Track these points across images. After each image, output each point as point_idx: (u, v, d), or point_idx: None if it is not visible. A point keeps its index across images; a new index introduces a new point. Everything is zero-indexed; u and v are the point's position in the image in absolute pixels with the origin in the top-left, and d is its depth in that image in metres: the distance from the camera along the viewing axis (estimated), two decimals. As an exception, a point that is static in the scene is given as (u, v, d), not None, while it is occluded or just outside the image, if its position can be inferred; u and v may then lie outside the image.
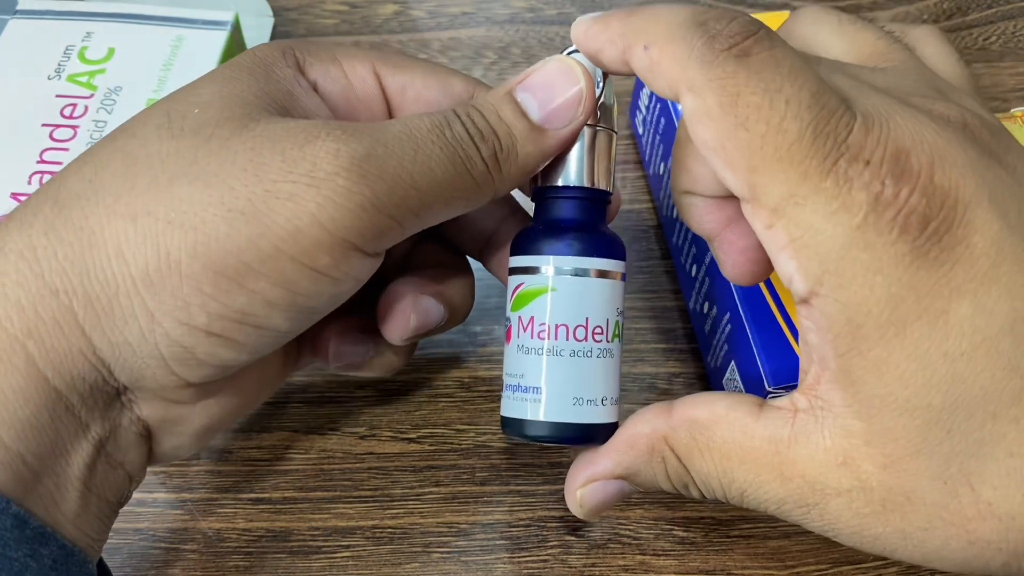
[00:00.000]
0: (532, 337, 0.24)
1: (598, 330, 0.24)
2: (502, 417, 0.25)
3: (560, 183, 0.25)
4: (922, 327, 0.18)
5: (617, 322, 0.25)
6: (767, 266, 0.23)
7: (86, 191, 0.21)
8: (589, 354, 0.24)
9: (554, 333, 0.24)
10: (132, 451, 0.23)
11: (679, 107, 0.34)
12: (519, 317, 0.25)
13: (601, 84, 0.24)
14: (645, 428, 0.23)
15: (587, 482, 0.24)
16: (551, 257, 0.24)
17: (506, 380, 0.25)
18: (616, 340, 0.25)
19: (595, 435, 0.25)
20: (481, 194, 0.23)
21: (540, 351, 0.24)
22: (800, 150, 0.18)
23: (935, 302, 0.18)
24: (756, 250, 0.23)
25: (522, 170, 0.24)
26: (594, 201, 0.25)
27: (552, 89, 0.23)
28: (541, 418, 0.24)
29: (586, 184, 0.24)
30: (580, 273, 0.24)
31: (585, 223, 0.25)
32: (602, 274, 0.24)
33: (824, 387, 0.19)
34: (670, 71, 0.20)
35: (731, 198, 0.22)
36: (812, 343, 0.19)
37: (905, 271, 0.18)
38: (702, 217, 0.23)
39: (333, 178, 0.20)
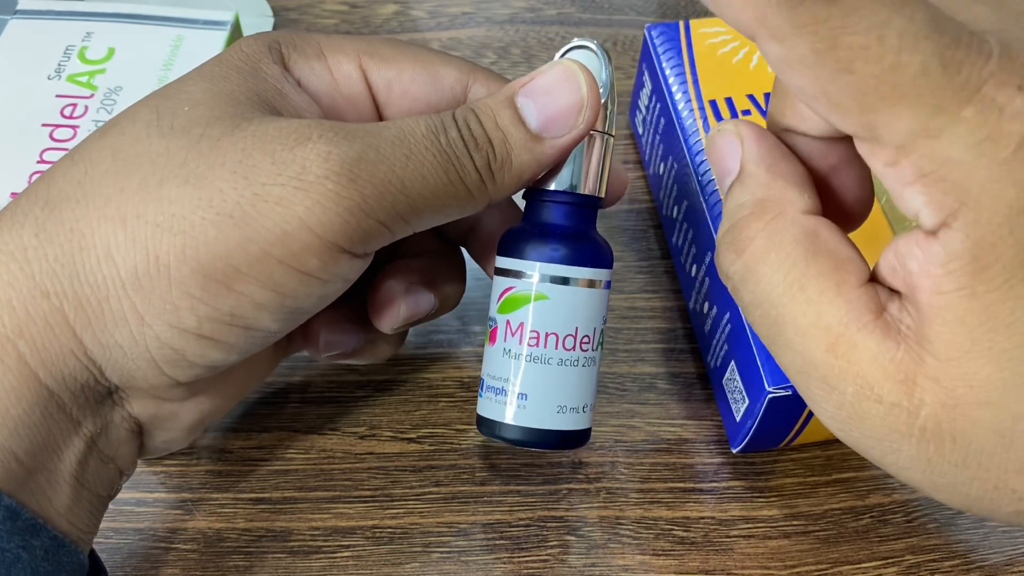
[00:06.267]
0: (520, 343, 0.24)
1: (585, 340, 0.24)
2: (480, 416, 0.25)
3: (554, 187, 0.24)
4: None
5: (602, 331, 0.25)
6: (870, 208, 0.22)
7: (76, 192, 0.21)
8: (576, 363, 0.24)
9: (543, 341, 0.24)
10: (123, 447, 0.23)
11: (679, 107, 0.34)
12: (507, 321, 0.24)
13: (605, 89, 0.24)
14: (777, 194, 0.20)
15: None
16: (542, 264, 0.24)
17: (487, 381, 0.25)
18: (600, 348, 0.25)
19: (573, 441, 0.25)
20: (474, 201, 0.23)
21: (528, 358, 0.24)
22: (928, 83, 0.16)
23: None
24: (863, 203, 0.21)
25: (517, 178, 0.23)
26: (587, 207, 0.25)
27: (552, 96, 0.23)
28: (525, 424, 0.24)
29: (581, 190, 0.24)
30: (572, 283, 0.24)
31: (578, 230, 0.25)
32: (592, 284, 0.24)
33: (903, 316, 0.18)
34: (743, 11, 0.17)
35: (841, 139, 0.20)
36: (910, 270, 0.18)
37: None
38: (805, 159, 0.21)
39: (322, 181, 0.20)
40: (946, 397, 0.17)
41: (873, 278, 0.19)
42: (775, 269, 0.19)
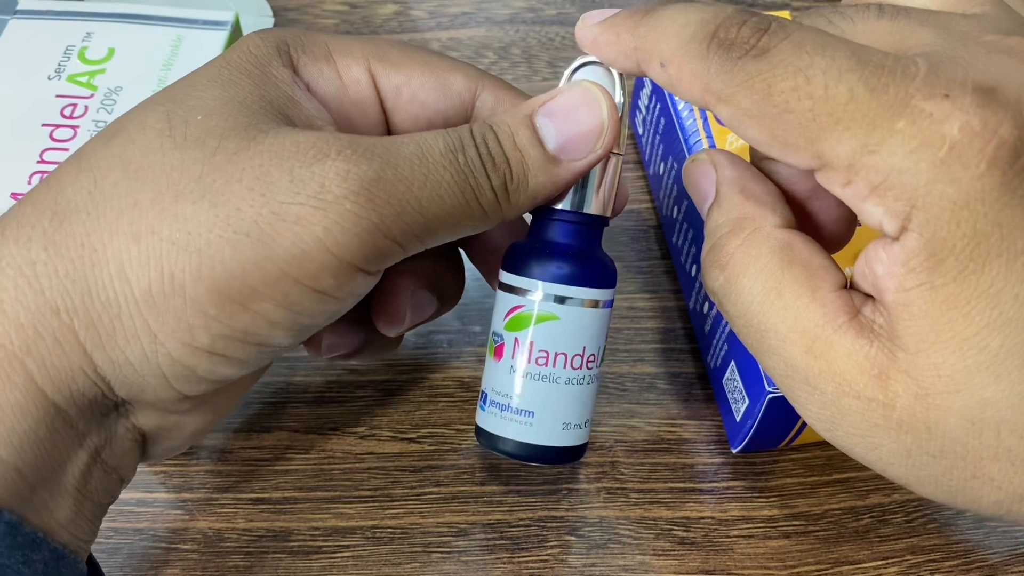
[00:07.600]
0: (528, 362, 0.24)
1: (592, 358, 0.25)
2: (480, 428, 0.25)
3: (564, 206, 0.24)
4: (1000, 266, 0.17)
5: (604, 348, 0.25)
6: (854, 226, 0.23)
7: (86, 204, 0.20)
8: (582, 381, 0.25)
9: (552, 360, 0.24)
10: (127, 457, 0.23)
11: (679, 107, 0.34)
12: (515, 339, 0.24)
13: (618, 109, 0.23)
14: (752, 212, 0.21)
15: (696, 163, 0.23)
16: (550, 284, 0.24)
17: (491, 395, 0.25)
18: (602, 364, 0.25)
19: (574, 455, 0.25)
20: (488, 220, 0.23)
21: (536, 376, 0.24)
22: (858, 106, 0.17)
23: (1017, 242, 0.17)
24: (845, 221, 0.22)
25: (532, 199, 0.23)
26: (596, 228, 0.25)
27: (572, 118, 0.23)
28: (531, 441, 0.24)
29: (590, 210, 0.24)
30: (579, 303, 0.24)
31: (585, 249, 0.25)
32: (596, 304, 0.24)
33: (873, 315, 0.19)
34: (692, 87, 0.20)
35: None
36: (877, 273, 0.19)
37: (991, 206, 0.17)
38: (785, 186, 0.22)
39: (341, 202, 0.20)
40: (918, 388, 0.18)
41: (851, 287, 0.20)
42: (754, 280, 0.20)
